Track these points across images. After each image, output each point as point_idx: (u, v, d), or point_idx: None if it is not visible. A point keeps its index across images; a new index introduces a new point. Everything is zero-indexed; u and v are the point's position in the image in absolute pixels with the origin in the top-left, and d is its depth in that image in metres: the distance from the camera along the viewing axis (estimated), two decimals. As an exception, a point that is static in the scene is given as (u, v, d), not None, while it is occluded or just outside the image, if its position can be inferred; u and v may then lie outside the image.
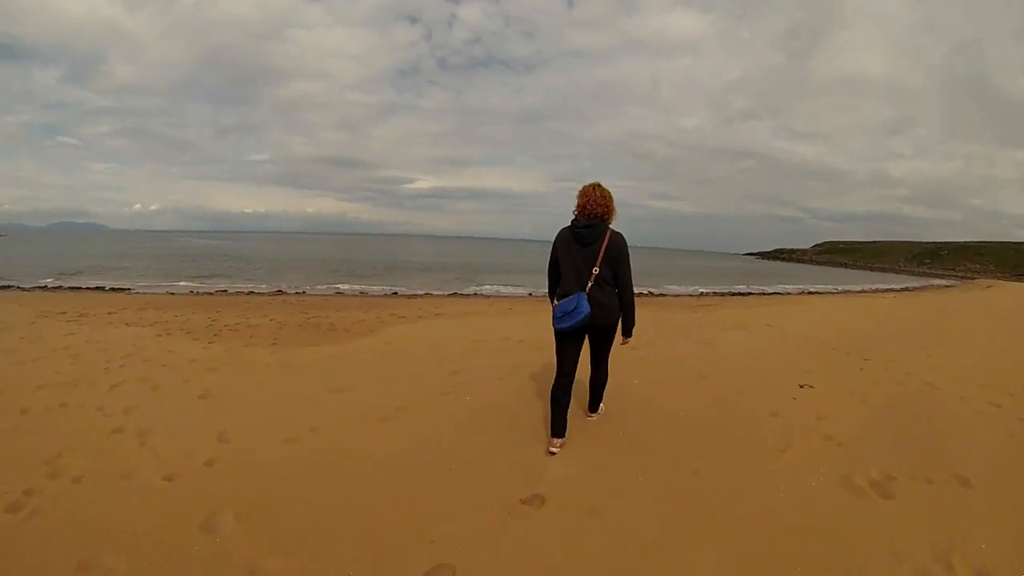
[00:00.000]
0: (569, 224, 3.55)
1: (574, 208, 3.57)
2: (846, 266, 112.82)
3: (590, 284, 3.42)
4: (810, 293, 31.69)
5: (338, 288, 20.13)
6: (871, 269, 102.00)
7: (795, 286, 38.78)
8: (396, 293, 18.72)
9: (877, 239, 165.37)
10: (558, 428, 3.78)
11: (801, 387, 5.87)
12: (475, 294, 19.64)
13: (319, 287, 20.18)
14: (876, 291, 37.99)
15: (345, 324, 9.37)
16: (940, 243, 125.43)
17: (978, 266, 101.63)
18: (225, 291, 17.64)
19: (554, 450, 3.74)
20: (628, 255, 3.55)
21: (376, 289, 20.04)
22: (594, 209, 3.48)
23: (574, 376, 3.76)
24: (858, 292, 35.86)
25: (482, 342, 7.65)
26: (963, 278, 77.64)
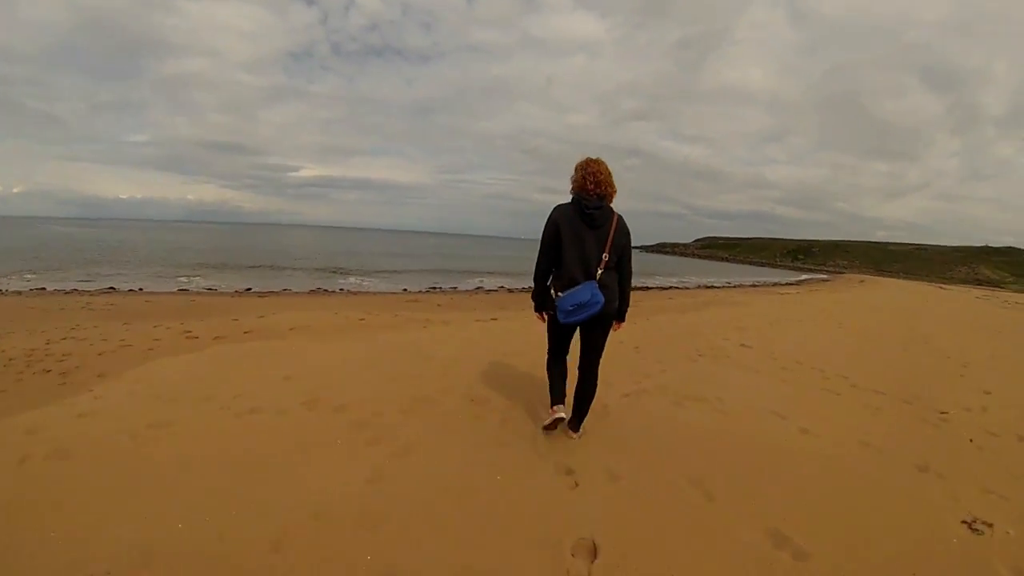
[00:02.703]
0: (571, 201, 3.04)
1: (575, 184, 3.05)
2: (727, 260, 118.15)
3: (600, 271, 2.99)
4: (707, 287, 30.44)
5: (184, 286, 17.50)
6: (751, 263, 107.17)
7: (686, 278, 37.88)
8: (249, 290, 16.37)
9: (753, 236, 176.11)
10: (559, 394, 3.32)
11: (972, 528, 2.57)
12: (341, 290, 17.51)
13: (163, 284, 17.54)
14: (774, 285, 37.67)
15: (91, 354, 5.45)
16: (812, 241, 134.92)
17: (845, 262, 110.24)
18: (43, 289, 14.18)
19: (559, 415, 3.25)
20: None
21: (227, 286, 17.41)
22: (606, 188, 3.02)
23: None
24: (751, 285, 35.23)
25: (262, 413, 3.57)
26: (834, 272, 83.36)
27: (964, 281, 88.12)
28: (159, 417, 3.42)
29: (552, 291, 3.09)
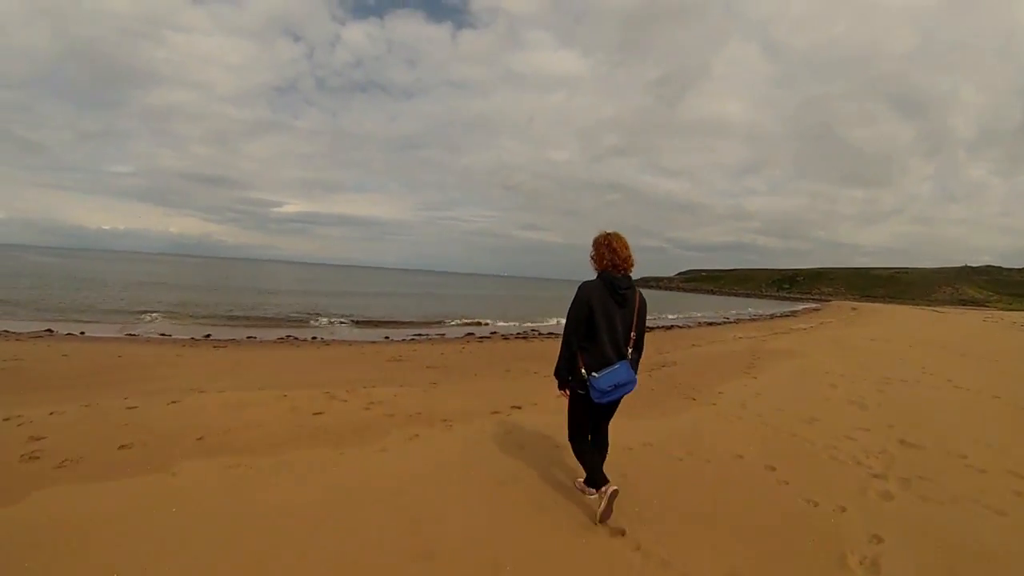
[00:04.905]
0: (600, 279, 3.06)
1: (601, 262, 3.09)
2: (712, 292, 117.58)
3: (630, 350, 3.09)
4: (709, 324, 28.46)
5: (137, 328, 15.89)
6: (736, 295, 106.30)
7: (683, 314, 35.79)
8: (208, 337, 14.66)
9: (735, 267, 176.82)
10: (601, 472, 3.12)
11: None
12: (313, 339, 15.28)
13: (112, 326, 15.93)
14: (772, 317, 35.70)
15: None
16: (796, 270, 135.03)
17: (830, 289, 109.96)
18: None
19: (613, 488, 3.04)
20: None
21: (184, 332, 15.41)
22: (630, 265, 3.10)
23: None
24: (751, 320, 33.20)
25: None
26: (821, 300, 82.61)
27: (950, 302, 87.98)
28: None
29: (583, 371, 2.98)
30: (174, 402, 5.21)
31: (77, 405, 5.16)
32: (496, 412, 5.30)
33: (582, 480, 3.42)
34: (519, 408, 5.49)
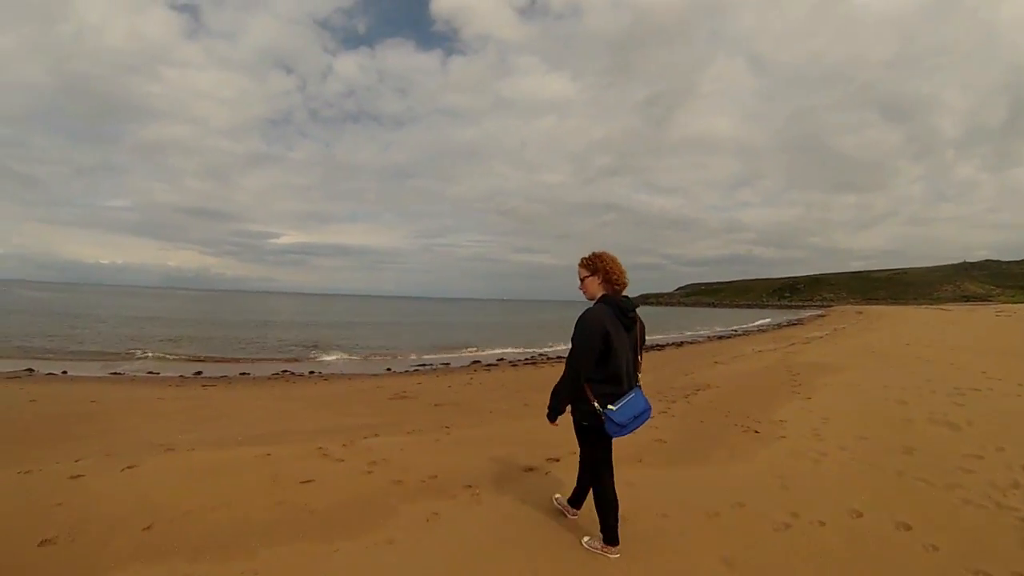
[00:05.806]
0: (605, 303, 2.79)
1: (610, 281, 2.84)
2: (713, 305, 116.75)
3: (639, 375, 2.94)
4: (719, 338, 27.75)
5: (124, 366, 15.12)
6: (738, 306, 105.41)
7: (692, 331, 34.94)
8: (199, 374, 13.93)
9: (734, 279, 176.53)
10: (616, 534, 2.96)
11: None
12: (311, 373, 14.48)
13: (97, 365, 15.16)
14: (778, 327, 34.88)
15: None
16: (796, 277, 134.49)
17: (831, 295, 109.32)
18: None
19: (615, 556, 2.93)
20: None
21: (174, 369, 14.81)
22: (625, 285, 2.91)
23: None
24: (759, 331, 32.45)
25: None
26: (824, 306, 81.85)
27: (952, 299, 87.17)
28: None
29: (596, 405, 2.73)
30: (130, 467, 4.25)
31: (16, 471, 4.22)
32: (530, 469, 4.26)
33: (593, 539, 3.01)
34: (557, 460, 4.43)
